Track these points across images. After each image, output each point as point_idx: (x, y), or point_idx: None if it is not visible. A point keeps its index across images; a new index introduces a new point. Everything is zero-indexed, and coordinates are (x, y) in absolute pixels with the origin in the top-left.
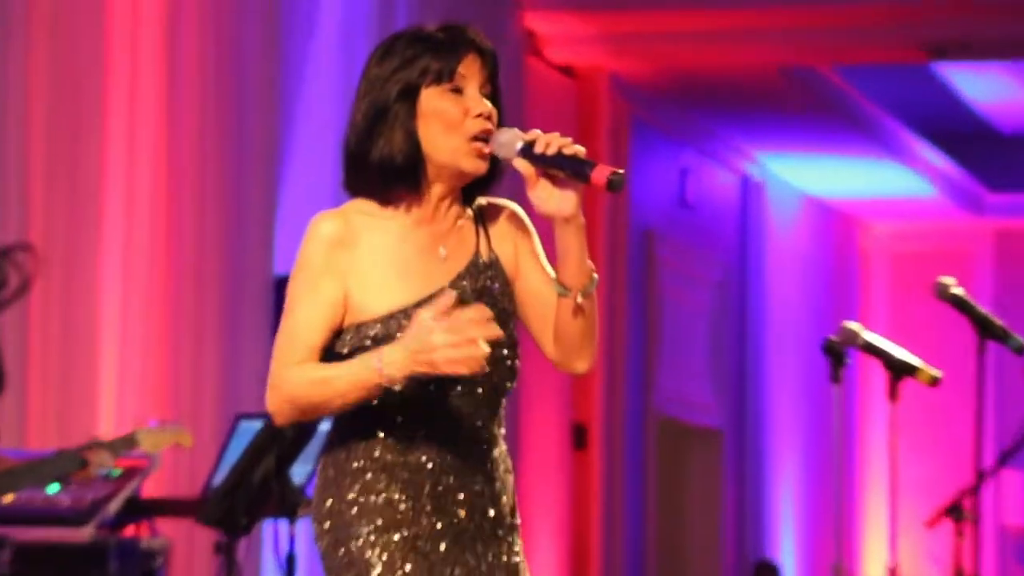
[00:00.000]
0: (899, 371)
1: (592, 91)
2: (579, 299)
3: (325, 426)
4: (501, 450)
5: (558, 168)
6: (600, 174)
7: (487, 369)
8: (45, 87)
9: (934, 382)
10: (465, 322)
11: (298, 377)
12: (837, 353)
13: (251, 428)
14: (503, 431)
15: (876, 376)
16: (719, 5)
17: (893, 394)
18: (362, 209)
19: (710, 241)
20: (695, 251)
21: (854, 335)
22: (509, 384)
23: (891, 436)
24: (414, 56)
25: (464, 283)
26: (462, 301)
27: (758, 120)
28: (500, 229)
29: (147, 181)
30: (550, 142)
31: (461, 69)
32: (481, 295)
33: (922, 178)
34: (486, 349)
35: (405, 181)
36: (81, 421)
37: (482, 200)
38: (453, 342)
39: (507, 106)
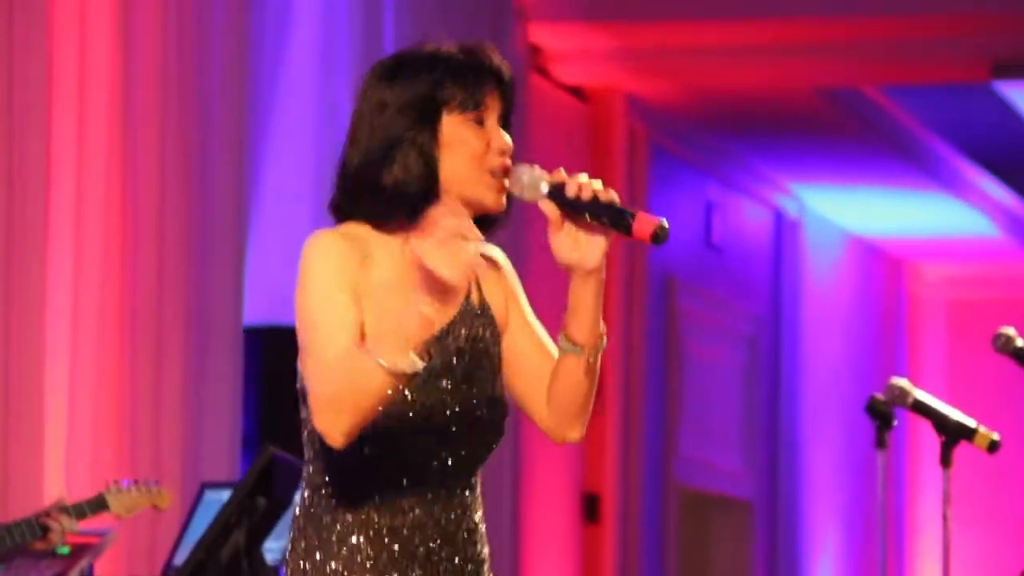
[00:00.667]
0: (953, 434)
1: (606, 114)
2: (592, 359)
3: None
4: (480, 513)
5: (593, 216)
6: (644, 226)
7: (470, 278)
8: None
9: (993, 447)
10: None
11: (341, 374)
12: (883, 414)
13: (217, 499)
14: (481, 503)
15: (927, 440)
16: (750, 17)
17: (946, 460)
18: (358, 234)
19: (740, 287)
20: (723, 299)
21: (903, 394)
22: (495, 444)
23: (944, 508)
24: (438, 79)
25: (460, 328)
26: (458, 349)
27: (794, 148)
28: (490, 276)
29: (98, 221)
30: (582, 185)
31: (484, 98)
32: (474, 342)
33: (981, 214)
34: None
35: (414, 210)
36: (22, 491)
37: None
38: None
39: (513, 135)
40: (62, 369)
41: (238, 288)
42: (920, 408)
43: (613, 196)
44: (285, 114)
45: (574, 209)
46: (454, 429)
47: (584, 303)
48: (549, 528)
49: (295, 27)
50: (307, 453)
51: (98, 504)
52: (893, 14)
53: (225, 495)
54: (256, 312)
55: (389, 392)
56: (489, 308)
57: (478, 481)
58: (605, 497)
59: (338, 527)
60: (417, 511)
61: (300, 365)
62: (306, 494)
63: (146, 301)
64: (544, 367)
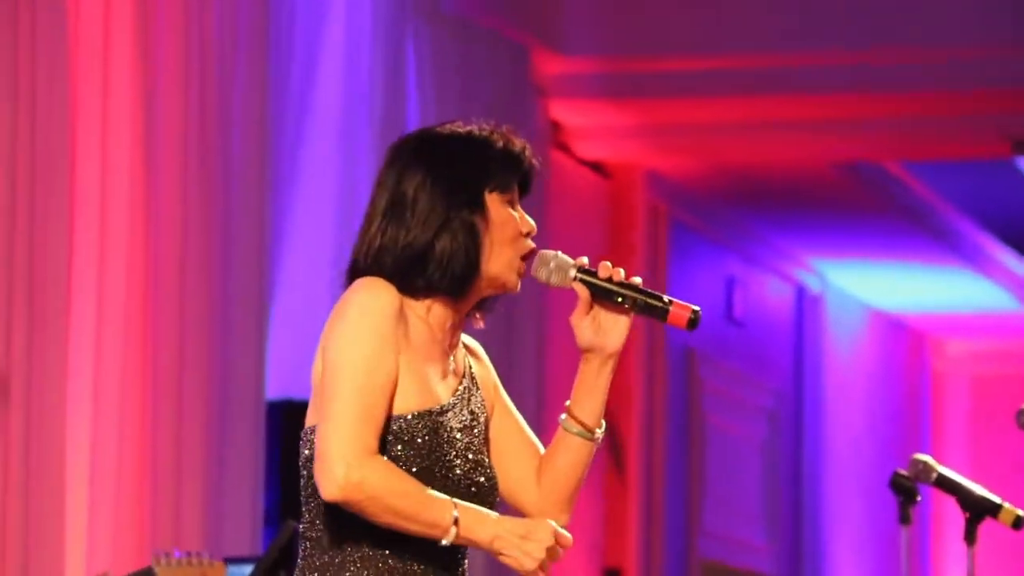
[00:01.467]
0: (978, 511)
1: (626, 190)
2: (599, 442)
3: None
4: None
5: (626, 299)
6: (680, 312)
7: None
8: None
9: (1018, 523)
10: (564, 538)
11: (387, 475)
12: (907, 490)
13: (240, 574)
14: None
15: (952, 517)
16: (771, 93)
17: (971, 537)
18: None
19: (761, 362)
20: (744, 374)
21: (926, 469)
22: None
23: None
24: (480, 161)
25: (466, 401)
26: (461, 422)
27: (815, 223)
28: (476, 356)
29: (120, 292)
30: (612, 269)
31: (517, 180)
32: (473, 416)
33: (1004, 290)
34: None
35: (458, 285)
36: (45, 566)
37: None
38: (548, 543)
39: (529, 206)
40: (83, 443)
41: (260, 363)
42: (944, 484)
43: (638, 281)
44: (306, 191)
45: (606, 293)
46: (461, 488)
47: (597, 386)
48: None
49: (316, 107)
50: (312, 511)
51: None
52: (914, 90)
53: (247, 570)
54: (277, 387)
55: (405, 528)
56: (479, 388)
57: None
58: (627, 572)
59: (349, 571)
60: (425, 567)
61: (320, 408)
62: (308, 550)
63: (168, 376)
64: (531, 456)
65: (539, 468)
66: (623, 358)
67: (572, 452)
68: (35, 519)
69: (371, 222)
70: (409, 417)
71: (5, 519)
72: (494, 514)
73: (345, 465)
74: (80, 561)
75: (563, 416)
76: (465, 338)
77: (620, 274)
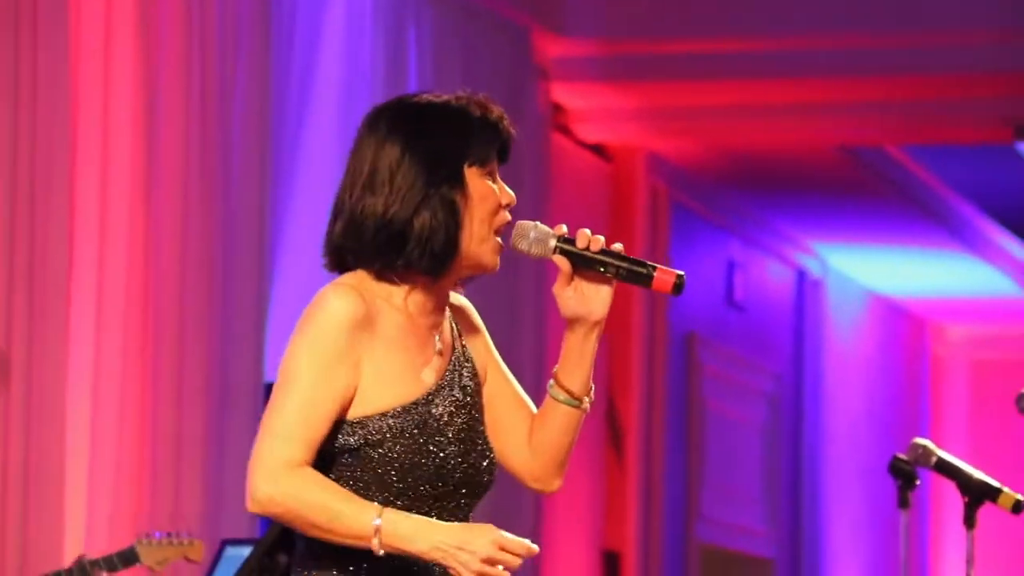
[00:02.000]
0: (977, 495)
1: (627, 173)
2: (587, 409)
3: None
4: None
5: (608, 268)
6: (665, 277)
7: None
8: (2, 174)
9: (1017, 508)
10: (514, 544)
11: (300, 489)
12: (906, 474)
13: (238, 555)
14: None
15: (951, 501)
16: (773, 76)
17: (970, 521)
18: (368, 287)
19: (761, 346)
20: (744, 358)
21: (926, 453)
22: (489, 488)
23: (968, 569)
24: (457, 133)
25: (456, 379)
26: (455, 399)
27: (816, 207)
28: (465, 326)
29: (120, 277)
30: (592, 238)
31: (495, 151)
32: (464, 392)
33: (1005, 274)
34: None
35: (437, 263)
36: (42, 550)
37: None
38: (493, 558)
39: (531, 189)
40: (83, 426)
41: (259, 345)
42: (943, 468)
43: (620, 247)
44: (307, 175)
45: (587, 262)
46: (461, 481)
47: (583, 355)
48: None
49: (318, 91)
50: None
51: (129, 557)
52: (917, 74)
53: (246, 552)
54: (276, 369)
55: (331, 539)
56: (472, 358)
57: None
58: (626, 555)
59: (336, 556)
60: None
61: (267, 409)
62: (306, 541)
63: (167, 358)
64: (524, 418)
65: (530, 431)
66: (623, 341)
67: (560, 419)
68: (34, 500)
69: (348, 193)
70: (390, 414)
71: (5, 500)
72: (435, 522)
73: (259, 480)
74: (79, 542)
75: (551, 383)
76: (456, 298)
77: (600, 242)
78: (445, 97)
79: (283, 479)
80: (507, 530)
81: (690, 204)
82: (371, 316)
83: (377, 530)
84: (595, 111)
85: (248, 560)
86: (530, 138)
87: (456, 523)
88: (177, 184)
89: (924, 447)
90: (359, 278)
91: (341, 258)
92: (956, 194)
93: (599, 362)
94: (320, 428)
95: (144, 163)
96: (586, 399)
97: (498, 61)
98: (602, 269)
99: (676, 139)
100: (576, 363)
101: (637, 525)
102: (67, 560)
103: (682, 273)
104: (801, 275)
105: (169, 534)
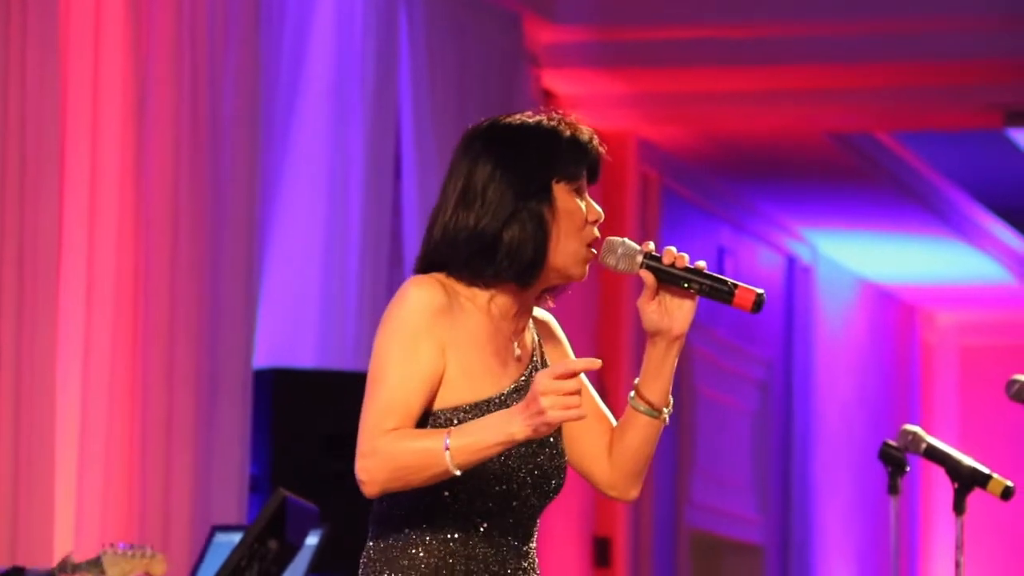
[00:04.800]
0: (967, 481)
1: (618, 158)
2: (666, 420)
3: (311, 540)
4: (534, 561)
5: (691, 284)
6: (745, 295)
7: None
8: None
9: (1007, 494)
10: (562, 369)
11: (388, 447)
12: (896, 460)
13: (228, 541)
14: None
15: (941, 487)
16: (763, 63)
17: (960, 507)
18: (451, 284)
19: (752, 332)
20: (734, 344)
21: (916, 440)
22: (555, 495)
23: (957, 555)
24: (548, 151)
25: (531, 385)
26: None
27: (807, 194)
28: (547, 338)
29: (110, 264)
30: (676, 255)
31: (584, 169)
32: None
33: (995, 261)
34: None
35: (525, 274)
36: (33, 537)
37: None
38: (560, 389)
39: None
40: (73, 413)
41: (249, 331)
42: (933, 455)
43: (703, 265)
44: (297, 161)
45: (672, 278)
46: (527, 480)
47: (663, 367)
48: (561, 572)
49: (309, 78)
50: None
51: (96, 566)
52: (906, 61)
53: (236, 538)
54: (266, 355)
55: (429, 477)
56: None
57: (536, 531)
58: (616, 541)
59: (407, 562)
60: (490, 556)
61: (365, 399)
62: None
63: (157, 344)
64: (605, 429)
65: (610, 443)
66: (613, 327)
67: (640, 430)
68: (24, 485)
69: (443, 209)
70: (463, 408)
71: None
72: (490, 417)
73: (360, 464)
74: (69, 528)
75: (632, 394)
76: (539, 312)
77: (685, 259)
78: (537, 118)
79: (373, 449)
80: None
81: (680, 190)
82: (452, 307)
83: (447, 447)
84: (586, 98)
85: (238, 546)
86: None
87: (505, 409)
88: (167, 172)
89: (914, 433)
90: (443, 277)
91: (433, 268)
92: (946, 180)
93: (589, 348)
94: (412, 404)
95: (134, 152)
96: (665, 410)
97: (489, 48)
98: (686, 285)
99: (667, 126)
100: (656, 375)
101: (627, 511)
102: (57, 549)
103: (762, 292)
104: (791, 262)
105: (132, 546)
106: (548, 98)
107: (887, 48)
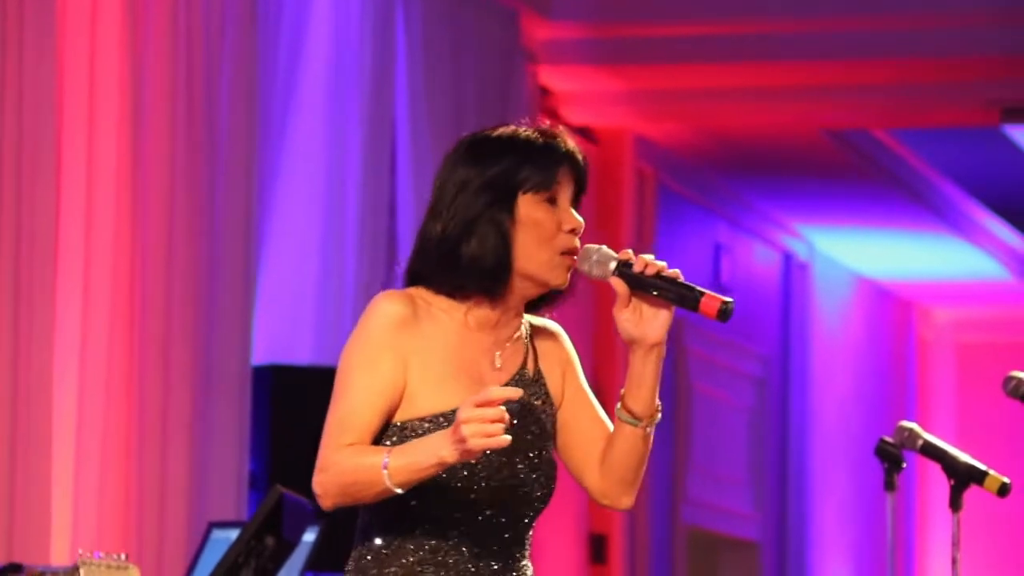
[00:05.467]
0: (963, 478)
1: (614, 155)
2: (649, 429)
3: (308, 537)
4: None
5: (660, 291)
6: (711, 303)
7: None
8: None
9: (1003, 491)
10: (484, 398)
11: (346, 459)
12: (892, 457)
13: (225, 538)
14: (529, 551)
15: (937, 483)
16: (759, 59)
17: (956, 504)
18: (424, 297)
19: (748, 329)
20: (731, 341)
21: (912, 436)
22: (541, 505)
23: (953, 551)
24: (516, 161)
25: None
26: (508, 412)
27: (803, 190)
28: (547, 348)
29: (107, 259)
30: (649, 263)
31: (557, 178)
32: (524, 410)
33: (992, 258)
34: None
35: (489, 284)
36: (29, 536)
37: (528, 316)
38: (483, 417)
39: None
40: (69, 408)
41: (246, 327)
42: (929, 451)
43: (677, 273)
44: (295, 156)
45: (642, 285)
46: (498, 490)
47: (644, 376)
48: (557, 569)
49: (305, 74)
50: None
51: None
52: (903, 57)
53: (233, 534)
54: (264, 352)
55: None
56: (543, 379)
57: (528, 542)
58: (612, 538)
59: (376, 571)
60: (462, 566)
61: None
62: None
63: (154, 341)
64: (598, 437)
65: (603, 451)
66: (608, 325)
67: (626, 439)
68: (21, 482)
69: (423, 220)
70: (428, 419)
71: None
72: (427, 438)
73: (315, 478)
74: (66, 525)
75: (618, 405)
76: (545, 322)
77: (656, 267)
78: (517, 129)
79: (330, 464)
80: None
81: (677, 187)
82: (418, 318)
83: (385, 466)
84: (582, 94)
85: (236, 543)
86: (517, 122)
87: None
88: (164, 170)
89: (910, 430)
90: (419, 290)
91: (414, 279)
92: (943, 177)
93: (585, 345)
94: (370, 419)
95: (130, 150)
96: (648, 419)
97: (486, 45)
98: (655, 293)
99: (663, 122)
100: (637, 384)
101: None
102: (54, 546)
103: (729, 300)
104: (788, 258)
105: (107, 555)
106: (545, 95)
107: (884, 45)
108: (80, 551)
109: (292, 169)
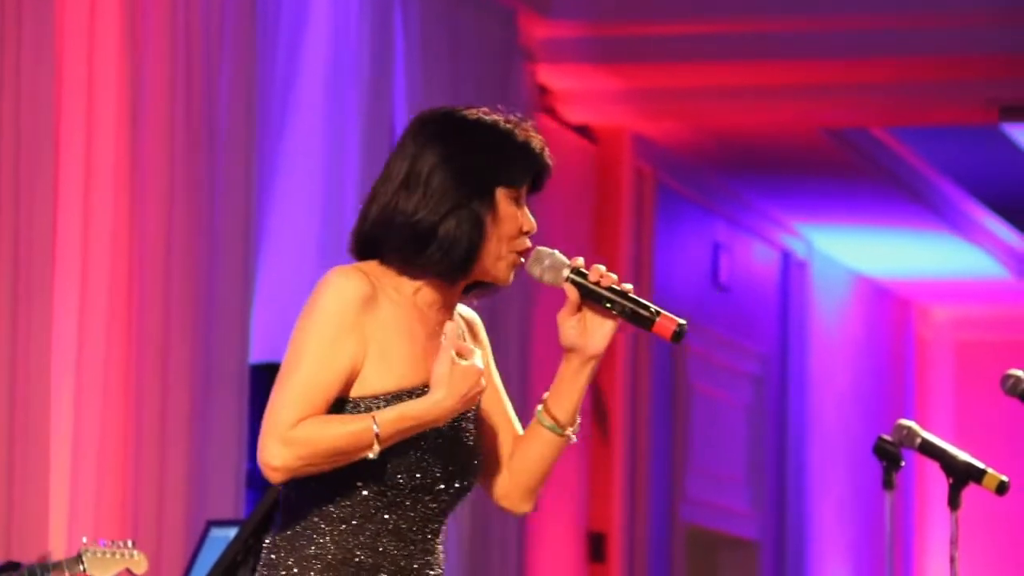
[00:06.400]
0: (962, 476)
1: (613, 154)
2: (572, 439)
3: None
4: (440, 556)
5: (614, 305)
6: (666, 324)
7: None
8: None
9: (1002, 489)
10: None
11: (318, 430)
12: (891, 455)
13: (223, 536)
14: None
15: (935, 482)
16: (758, 58)
17: (954, 502)
18: (375, 273)
19: (747, 327)
20: (729, 339)
21: (910, 435)
22: (468, 492)
23: (952, 550)
24: (499, 154)
25: None
26: None
27: (802, 189)
28: (474, 335)
29: (105, 257)
30: (603, 274)
31: (529, 178)
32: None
33: (990, 256)
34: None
35: (453, 270)
36: (27, 531)
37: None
38: (452, 365)
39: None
40: (67, 406)
41: (245, 326)
42: (928, 449)
43: (630, 288)
44: (293, 155)
45: (596, 297)
46: (436, 470)
47: (575, 385)
48: (555, 567)
49: (304, 73)
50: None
51: (76, 563)
52: (901, 56)
53: (231, 533)
54: (262, 350)
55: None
56: None
57: (445, 528)
58: (611, 536)
59: (313, 549)
60: (391, 547)
61: (275, 385)
62: (284, 518)
63: (152, 338)
64: (508, 439)
65: (511, 452)
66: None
67: (542, 445)
68: (19, 481)
69: (383, 189)
70: (383, 398)
71: None
72: (418, 401)
73: (272, 448)
74: (63, 523)
75: (539, 408)
76: (466, 311)
77: (612, 280)
78: (495, 117)
79: (291, 437)
80: (491, 512)
81: (675, 186)
82: (376, 298)
83: (377, 436)
84: (581, 93)
85: (234, 541)
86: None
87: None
88: (162, 167)
89: (909, 428)
90: (369, 266)
91: (366, 247)
92: (941, 175)
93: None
94: (326, 397)
95: (129, 148)
96: (570, 429)
97: (484, 43)
98: (608, 305)
99: (662, 120)
100: (567, 392)
101: (622, 506)
102: (52, 544)
103: (684, 322)
104: (786, 256)
105: (113, 542)
106: (543, 93)
107: (883, 44)
108: (84, 539)
109: (291, 168)
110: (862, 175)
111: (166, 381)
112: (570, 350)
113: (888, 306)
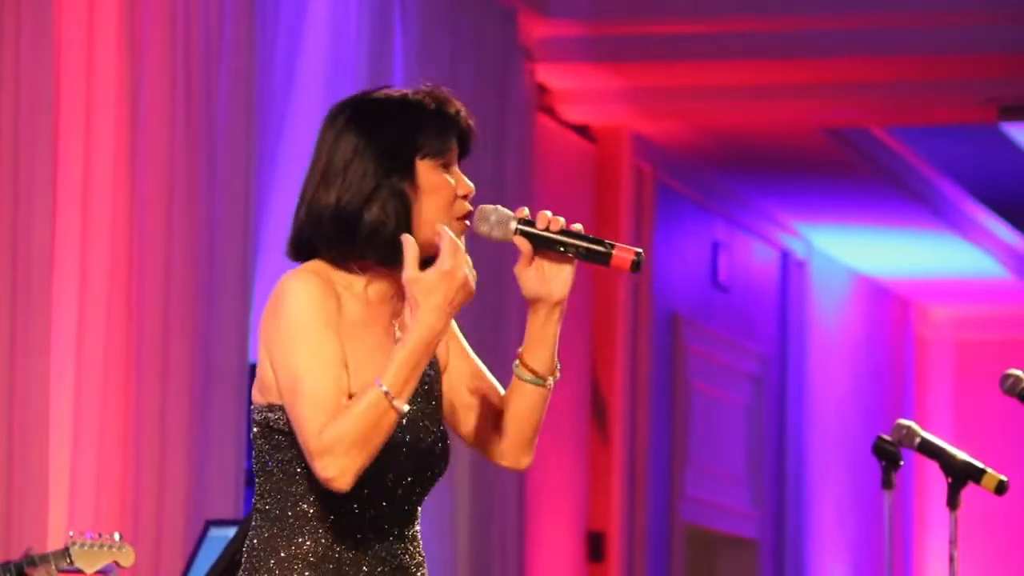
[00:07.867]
0: (961, 476)
1: (612, 154)
2: (551, 388)
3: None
4: (419, 544)
5: (568, 247)
6: (623, 255)
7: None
8: None
9: (1001, 488)
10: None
11: (341, 426)
12: (890, 455)
13: (222, 536)
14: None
15: (935, 481)
16: (757, 57)
17: (954, 502)
18: (327, 274)
19: (746, 327)
20: (729, 338)
21: (910, 434)
22: (442, 473)
23: (951, 549)
24: (413, 127)
25: None
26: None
27: (801, 188)
28: None
29: (104, 256)
30: (552, 219)
31: (452, 143)
32: (420, 381)
33: (990, 256)
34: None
35: (389, 252)
36: (27, 530)
37: None
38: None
39: (516, 169)
40: (66, 405)
41: (244, 325)
42: (927, 449)
43: (580, 227)
44: (293, 154)
45: (547, 243)
46: (402, 461)
47: (546, 334)
48: (554, 567)
49: (303, 72)
50: (262, 484)
51: (64, 556)
52: (900, 55)
53: (230, 532)
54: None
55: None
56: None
57: (420, 515)
58: (610, 535)
59: (293, 549)
60: (370, 540)
61: (289, 411)
62: (261, 522)
63: (151, 338)
64: (492, 399)
65: (497, 411)
66: (607, 322)
67: (526, 398)
68: (18, 479)
69: (307, 187)
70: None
71: None
72: (405, 337)
73: (323, 464)
74: (63, 522)
75: (516, 363)
76: None
77: (560, 223)
78: (404, 91)
79: (324, 446)
80: (491, 512)
81: (675, 185)
82: (339, 295)
83: (387, 393)
84: (580, 92)
85: (233, 540)
86: (515, 119)
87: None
88: (161, 166)
89: (908, 428)
90: (319, 267)
91: (302, 247)
92: (940, 174)
93: (583, 343)
94: (338, 392)
95: (128, 147)
96: (550, 378)
97: (483, 43)
98: (561, 249)
99: (661, 120)
100: (539, 343)
101: (621, 506)
102: (51, 543)
103: (640, 251)
104: (785, 256)
105: (101, 535)
106: (542, 92)
107: (882, 43)
108: (71, 533)
109: (290, 167)
110: (862, 175)
111: (166, 380)
112: (534, 301)
113: (887, 305)
